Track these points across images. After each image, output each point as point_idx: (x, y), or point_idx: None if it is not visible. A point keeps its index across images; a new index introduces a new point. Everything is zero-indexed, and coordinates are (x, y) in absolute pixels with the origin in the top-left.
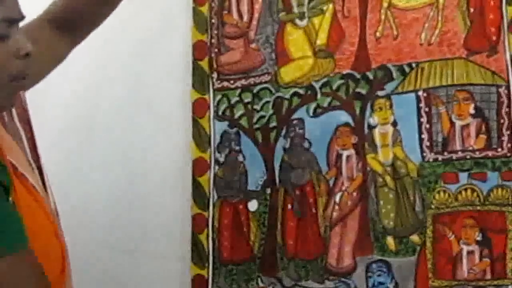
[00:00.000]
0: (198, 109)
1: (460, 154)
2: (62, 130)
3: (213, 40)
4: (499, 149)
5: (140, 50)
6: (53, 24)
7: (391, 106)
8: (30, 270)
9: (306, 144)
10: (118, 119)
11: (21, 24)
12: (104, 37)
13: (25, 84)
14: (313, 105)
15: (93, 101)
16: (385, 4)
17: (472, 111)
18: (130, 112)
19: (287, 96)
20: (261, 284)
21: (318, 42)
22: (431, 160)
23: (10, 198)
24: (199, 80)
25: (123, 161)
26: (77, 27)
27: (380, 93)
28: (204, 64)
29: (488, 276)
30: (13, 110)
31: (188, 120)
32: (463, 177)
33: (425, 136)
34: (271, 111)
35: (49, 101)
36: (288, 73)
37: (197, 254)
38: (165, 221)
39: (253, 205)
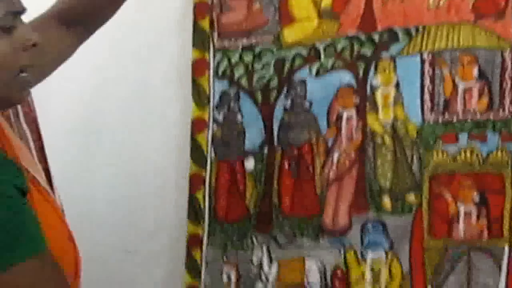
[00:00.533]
0: (198, 68)
1: (461, 116)
2: (64, 132)
3: (214, 0)
4: (501, 111)
5: (143, 51)
6: (60, 20)
7: (395, 68)
8: (53, 271)
9: (306, 105)
10: (119, 120)
11: (25, 18)
12: (107, 38)
13: (34, 76)
14: (315, 66)
15: (95, 103)
16: None
17: (475, 74)
18: (131, 114)
19: (290, 57)
20: (255, 242)
21: (323, 3)
22: (431, 121)
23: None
24: (199, 39)
25: (124, 162)
26: (84, 22)
27: (384, 54)
28: (205, 23)
29: (485, 236)
30: (20, 111)
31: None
32: (463, 138)
33: (427, 97)
34: (272, 72)
35: (51, 103)
36: (291, 34)
37: (193, 212)
38: (166, 222)
39: (250, 164)
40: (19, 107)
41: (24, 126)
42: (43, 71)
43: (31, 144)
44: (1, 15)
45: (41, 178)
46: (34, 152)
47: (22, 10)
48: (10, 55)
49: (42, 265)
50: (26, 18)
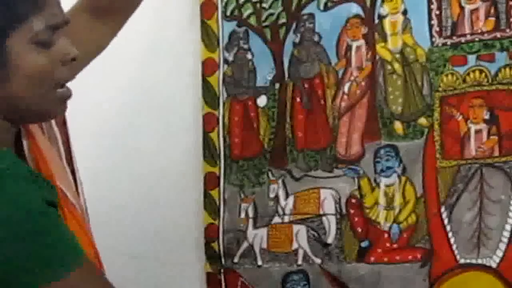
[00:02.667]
0: (206, 10)
1: (468, 37)
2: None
3: None
4: (508, 30)
5: (151, 53)
6: (91, 11)
7: None
8: (99, 274)
9: (316, 38)
10: (128, 122)
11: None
12: (114, 42)
13: (71, 92)
14: (323, 0)
15: (104, 106)
16: None
17: None
18: (141, 123)
19: None
20: (271, 177)
21: None
22: (440, 44)
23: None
24: None
25: (136, 174)
26: (115, 12)
27: None
28: None
29: (496, 153)
30: None
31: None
32: (471, 59)
33: (434, 22)
34: (280, 8)
35: None
36: None
37: (209, 152)
38: (177, 227)
39: (262, 101)
40: None
41: (55, 128)
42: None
43: (60, 146)
44: (40, 29)
45: (70, 190)
46: (63, 154)
47: (63, 23)
48: (48, 69)
49: (90, 270)
50: None
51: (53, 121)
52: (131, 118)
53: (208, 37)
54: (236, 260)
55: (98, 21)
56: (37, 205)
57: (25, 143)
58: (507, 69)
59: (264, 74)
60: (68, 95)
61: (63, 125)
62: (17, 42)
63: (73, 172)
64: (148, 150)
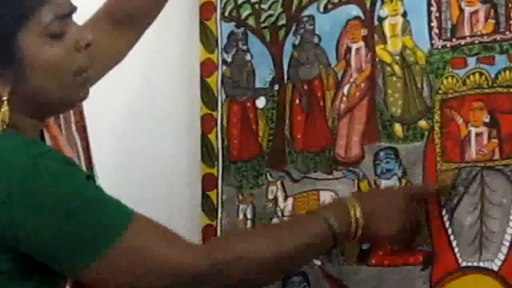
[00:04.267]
0: (205, 10)
1: (468, 39)
2: None
3: None
4: (507, 32)
5: (149, 54)
6: (111, 21)
7: None
8: (153, 222)
9: (315, 40)
10: (125, 123)
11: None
12: None
13: (91, 75)
14: (323, 1)
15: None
16: None
17: None
18: (139, 125)
19: None
20: (270, 179)
21: None
22: (439, 47)
23: None
24: None
25: (133, 175)
26: (134, 22)
27: None
28: None
29: (497, 156)
30: (72, 118)
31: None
32: (471, 61)
33: (434, 24)
34: (280, 10)
35: None
36: None
37: (207, 153)
38: (175, 228)
39: (261, 102)
40: (72, 116)
41: (76, 135)
42: (95, 74)
43: (80, 152)
44: (49, 21)
45: None
46: (82, 160)
47: (71, 11)
48: (64, 58)
49: (146, 221)
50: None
51: (73, 127)
52: (129, 119)
53: (207, 38)
54: None
55: (116, 32)
56: (81, 180)
57: (48, 142)
58: (507, 72)
59: (263, 75)
60: (87, 78)
61: (83, 131)
62: (28, 38)
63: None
64: (146, 151)
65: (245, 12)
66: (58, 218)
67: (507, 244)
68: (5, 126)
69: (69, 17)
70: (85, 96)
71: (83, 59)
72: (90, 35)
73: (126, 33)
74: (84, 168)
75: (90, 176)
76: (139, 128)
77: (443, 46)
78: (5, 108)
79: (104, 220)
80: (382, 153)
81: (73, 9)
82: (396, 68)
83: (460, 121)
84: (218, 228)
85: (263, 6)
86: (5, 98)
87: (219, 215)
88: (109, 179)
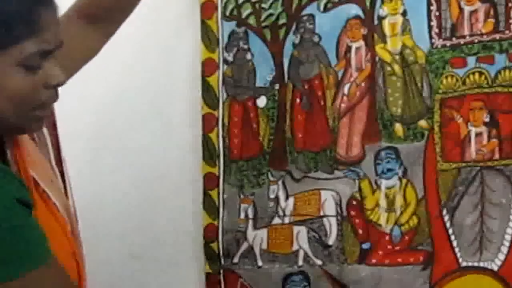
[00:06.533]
0: (206, 10)
1: (468, 38)
2: (72, 135)
3: None
4: (507, 32)
5: (150, 53)
6: (83, 16)
7: None
8: (60, 278)
9: (316, 39)
10: (127, 123)
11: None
12: (114, 43)
13: (49, 112)
14: (324, 1)
15: (103, 107)
16: None
17: None
18: (141, 124)
19: None
20: (271, 178)
21: None
22: (439, 46)
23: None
24: None
25: (135, 174)
26: (108, 17)
27: None
28: None
29: (497, 156)
30: None
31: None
32: (471, 61)
33: (434, 23)
34: (280, 9)
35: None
36: None
37: (208, 152)
38: (176, 227)
39: (262, 101)
40: None
41: (44, 129)
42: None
43: (50, 148)
44: (31, 54)
45: (54, 192)
46: (52, 156)
47: (56, 48)
48: (29, 92)
49: (48, 274)
50: None
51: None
52: (130, 119)
53: (208, 37)
54: (235, 260)
55: (90, 27)
56: (5, 202)
57: (7, 145)
58: (507, 72)
59: (264, 74)
60: (45, 115)
61: (53, 127)
62: (4, 62)
63: (62, 175)
64: (148, 151)
65: (246, 11)
66: None
67: (507, 244)
68: None
69: (52, 53)
70: (37, 129)
71: (49, 96)
72: (64, 75)
73: (99, 29)
74: (54, 165)
75: (24, 201)
76: (141, 128)
77: (443, 46)
78: None
79: (21, 249)
80: (382, 153)
81: (59, 45)
82: (396, 67)
83: (460, 120)
84: (220, 227)
85: (263, 5)
86: None
87: (221, 214)
88: (112, 178)
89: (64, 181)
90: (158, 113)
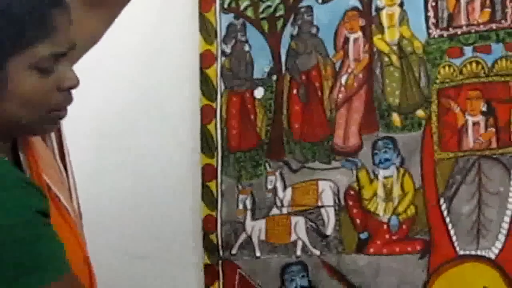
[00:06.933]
0: (204, 3)
1: (464, 28)
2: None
3: None
4: (503, 21)
5: (149, 46)
6: (84, 3)
7: None
8: (77, 286)
9: (313, 30)
10: (125, 116)
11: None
12: (112, 36)
13: (64, 115)
14: None
15: (101, 106)
16: None
17: None
18: (139, 117)
19: None
20: (269, 169)
21: None
22: (436, 36)
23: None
24: None
25: (133, 166)
26: (108, 4)
27: None
28: None
29: (494, 145)
30: None
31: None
32: (468, 50)
33: (431, 13)
34: (278, 1)
35: None
36: None
37: (206, 144)
38: (177, 226)
39: (259, 93)
40: None
41: None
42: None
43: (54, 143)
44: (43, 56)
45: (63, 193)
46: (56, 151)
47: (69, 49)
48: (43, 95)
49: (66, 286)
50: None
51: None
52: (128, 112)
53: (206, 29)
54: (234, 251)
55: (91, 12)
56: (23, 214)
57: (20, 148)
58: (503, 61)
59: (262, 66)
60: (59, 116)
61: None
62: (17, 65)
63: (65, 168)
64: (146, 143)
65: (244, 3)
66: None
67: (505, 232)
68: None
69: (65, 56)
70: (50, 131)
71: (62, 98)
72: (77, 77)
73: (101, 14)
74: (58, 160)
75: (43, 212)
76: (138, 120)
77: (440, 36)
78: None
79: (42, 262)
80: (380, 143)
81: (72, 47)
82: (394, 58)
83: (457, 110)
84: (219, 218)
85: None
86: None
87: (219, 206)
88: (110, 174)
89: (67, 175)
90: (156, 106)
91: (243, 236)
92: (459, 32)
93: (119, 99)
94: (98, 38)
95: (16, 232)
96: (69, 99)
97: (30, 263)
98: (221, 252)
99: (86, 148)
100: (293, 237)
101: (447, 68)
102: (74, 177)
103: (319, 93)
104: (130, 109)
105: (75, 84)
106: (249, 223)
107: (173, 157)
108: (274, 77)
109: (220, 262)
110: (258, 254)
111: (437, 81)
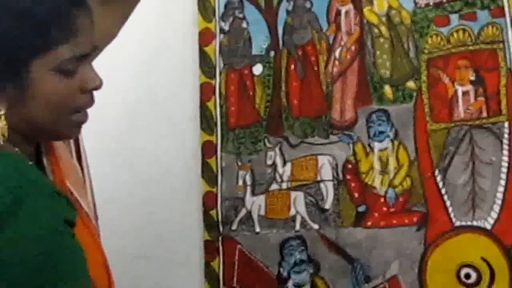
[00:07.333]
0: None
1: None
2: None
3: None
4: None
5: (148, 25)
6: (99, 2)
7: None
8: None
9: (308, 4)
10: (128, 123)
11: None
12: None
13: (87, 118)
14: None
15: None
16: None
17: None
18: (140, 116)
19: None
20: (268, 145)
21: None
22: (423, 5)
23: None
24: None
25: (134, 166)
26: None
27: None
28: None
29: (484, 114)
30: None
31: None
32: (454, 18)
33: None
34: None
35: None
36: None
37: (205, 121)
38: (175, 196)
39: (257, 69)
40: None
41: None
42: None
43: (72, 147)
44: (66, 59)
45: (84, 199)
46: (73, 151)
47: (90, 52)
48: (65, 97)
49: None
50: None
51: None
52: (128, 94)
53: (205, 7)
54: (234, 227)
55: (107, 9)
56: (55, 225)
57: (43, 152)
58: (490, 28)
59: (260, 42)
60: (82, 120)
61: None
62: (40, 68)
63: (81, 169)
64: (146, 121)
65: None
66: (15, 256)
67: (499, 202)
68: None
69: (87, 57)
70: (74, 135)
71: (85, 100)
72: (100, 79)
73: (116, 11)
74: (75, 160)
75: (70, 222)
76: (139, 103)
77: (426, 4)
78: (2, 123)
79: (65, 273)
80: (374, 116)
81: (95, 48)
82: (383, 29)
83: (446, 80)
84: (219, 194)
85: None
86: (1, 112)
87: (219, 182)
88: (111, 141)
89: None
90: (156, 84)
91: (242, 212)
92: (444, 0)
93: (117, 86)
94: (114, 35)
95: (43, 243)
96: (92, 101)
97: (53, 274)
98: (221, 228)
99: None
100: (292, 212)
101: (434, 37)
102: (91, 178)
103: (315, 68)
104: (129, 91)
105: (98, 85)
106: (248, 198)
107: (173, 135)
108: (272, 53)
109: (220, 238)
110: (257, 229)
111: (426, 51)
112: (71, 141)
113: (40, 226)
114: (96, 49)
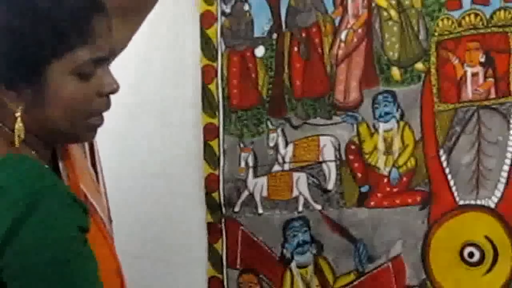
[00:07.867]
0: None
1: None
2: None
3: None
4: None
5: (150, 36)
6: (110, 12)
7: None
8: None
9: None
10: (130, 106)
11: None
12: None
13: (103, 121)
14: None
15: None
16: None
17: None
18: (142, 98)
19: None
20: (270, 126)
21: None
22: None
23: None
24: None
25: (136, 149)
26: (134, 11)
27: None
28: None
29: (493, 95)
30: None
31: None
32: (466, 2)
33: None
34: None
35: None
36: None
37: (208, 103)
38: (177, 178)
39: (260, 51)
40: None
41: None
42: None
43: (87, 151)
44: (84, 62)
45: (100, 204)
46: (88, 155)
47: (108, 55)
48: (83, 100)
49: None
50: None
51: None
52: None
53: None
54: (236, 209)
55: (117, 20)
56: (68, 232)
57: (59, 156)
58: (502, 12)
59: (262, 24)
60: (98, 124)
61: None
62: (58, 71)
63: (96, 173)
64: (148, 104)
65: None
66: (28, 260)
67: (504, 181)
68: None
69: (105, 61)
70: (90, 138)
71: (102, 104)
72: (117, 83)
73: (127, 22)
74: (89, 164)
75: (84, 228)
76: (140, 85)
77: None
78: (19, 124)
79: (78, 281)
80: (380, 97)
81: (112, 52)
82: (393, 12)
83: (455, 61)
84: (221, 176)
85: None
86: (17, 114)
87: (221, 164)
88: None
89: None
90: (157, 65)
91: (245, 194)
92: None
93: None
94: (124, 46)
95: (54, 249)
96: (108, 105)
97: (62, 281)
98: (223, 210)
99: None
100: (295, 193)
101: (445, 20)
102: (105, 182)
103: (320, 50)
104: (132, 69)
105: (115, 89)
106: (251, 180)
107: (175, 116)
108: (275, 36)
109: (222, 220)
110: (260, 211)
111: (436, 34)
112: (86, 144)
113: (53, 232)
114: (113, 53)
